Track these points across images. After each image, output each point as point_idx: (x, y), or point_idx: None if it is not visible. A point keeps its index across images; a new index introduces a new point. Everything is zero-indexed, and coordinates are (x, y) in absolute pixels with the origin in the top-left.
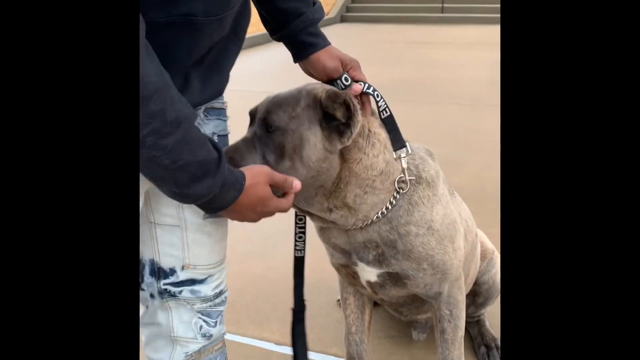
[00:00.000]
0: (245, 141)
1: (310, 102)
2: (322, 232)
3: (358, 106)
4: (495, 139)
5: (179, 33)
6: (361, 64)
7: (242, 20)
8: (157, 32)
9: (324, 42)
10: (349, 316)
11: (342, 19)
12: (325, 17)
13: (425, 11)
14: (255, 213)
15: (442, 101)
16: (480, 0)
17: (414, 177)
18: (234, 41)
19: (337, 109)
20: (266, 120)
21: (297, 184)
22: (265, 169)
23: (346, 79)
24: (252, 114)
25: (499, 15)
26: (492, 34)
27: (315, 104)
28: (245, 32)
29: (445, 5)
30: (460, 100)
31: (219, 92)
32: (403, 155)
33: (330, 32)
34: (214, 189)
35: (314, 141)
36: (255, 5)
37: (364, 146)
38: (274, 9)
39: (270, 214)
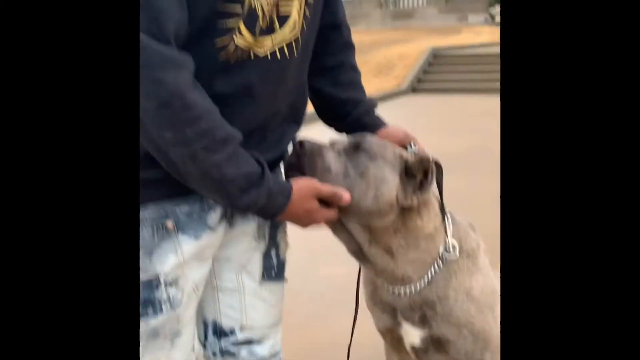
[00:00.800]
0: (332, 145)
1: (397, 154)
2: (372, 294)
3: (434, 174)
4: None
5: (238, 104)
6: (430, 133)
7: (301, 106)
8: (220, 104)
9: (383, 123)
10: None
11: (414, 90)
12: (397, 89)
13: (492, 80)
14: (303, 223)
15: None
16: None
17: (456, 247)
18: (290, 125)
19: (419, 170)
20: (360, 143)
21: (346, 197)
22: (313, 182)
23: (412, 148)
24: (332, 141)
25: None
26: None
27: (400, 160)
28: (302, 118)
29: None
30: None
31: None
32: (449, 225)
33: (402, 103)
34: (261, 199)
35: (392, 185)
36: (312, 98)
37: (421, 210)
38: (335, 101)
39: (319, 224)
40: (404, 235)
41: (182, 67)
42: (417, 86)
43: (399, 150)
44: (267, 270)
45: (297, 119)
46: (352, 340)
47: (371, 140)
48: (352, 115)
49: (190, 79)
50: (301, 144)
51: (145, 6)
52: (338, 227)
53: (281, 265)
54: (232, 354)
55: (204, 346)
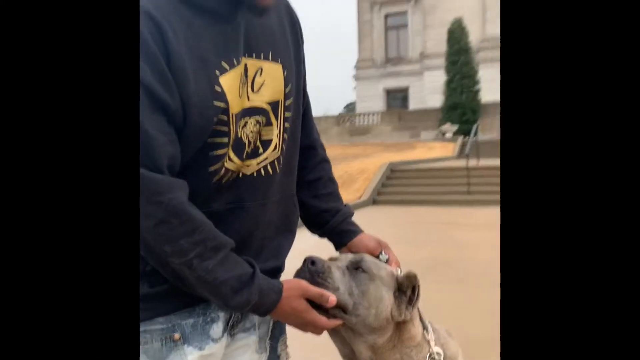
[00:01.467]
0: (336, 266)
1: (389, 274)
2: None
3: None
4: None
5: (231, 216)
6: (391, 244)
7: (292, 216)
8: (216, 219)
9: (360, 229)
10: None
11: (374, 202)
12: (358, 201)
13: (451, 193)
14: (295, 324)
15: (469, 282)
16: None
17: (441, 354)
18: (285, 234)
19: (408, 287)
20: (359, 264)
21: (332, 299)
22: (301, 283)
23: (383, 256)
24: (333, 258)
25: None
26: None
27: (392, 278)
28: (295, 227)
29: (471, 187)
30: (486, 280)
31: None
32: (431, 334)
33: (363, 215)
34: (253, 297)
35: (388, 303)
36: None
37: (411, 321)
38: (316, 210)
39: (310, 326)
40: (399, 349)
41: (176, 189)
42: (377, 198)
43: (390, 269)
44: None
45: (290, 229)
46: None
47: (369, 261)
48: (331, 223)
49: (185, 198)
50: (313, 262)
51: (141, 144)
52: (335, 334)
53: None
54: None
55: None
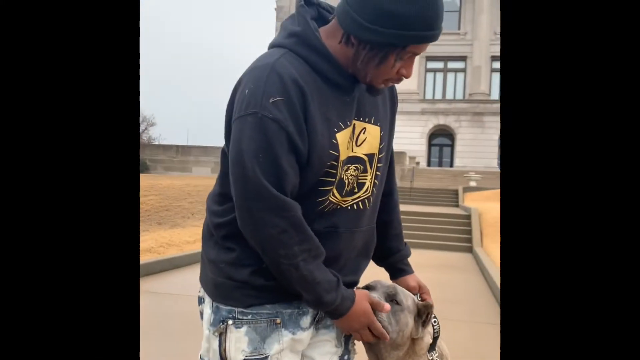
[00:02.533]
0: (377, 296)
1: (414, 303)
2: None
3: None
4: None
5: (328, 237)
6: None
7: (371, 245)
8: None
9: (411, 270)
10: None
11: None
12: None
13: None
14: (360, 323)
15: None
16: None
17: (441, 354)
18: (364, 257)
19: (424, 313)
20: (394, 297)
21: (387, 307)
22: (365, 291)
23: (418, 296)
24: (370, 286)
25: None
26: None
27: (415, 305)
28: (370, 252)
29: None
30: None
31: None
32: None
33: None
34: (338, 299)
35: (411, 326)
36: None
37: (422, 336)
38: (383, 246)
39: (371, 325)
40: (412, 357)
41: (297, 209)
42: None
43: (413, 297)
44: None
45: (367, 255)
46: None
47: (400, 293)
48: (391, 259)
49: (301, 218)
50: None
51: (273, 166)
52: (371, 349)
53: None
54: None
55: None
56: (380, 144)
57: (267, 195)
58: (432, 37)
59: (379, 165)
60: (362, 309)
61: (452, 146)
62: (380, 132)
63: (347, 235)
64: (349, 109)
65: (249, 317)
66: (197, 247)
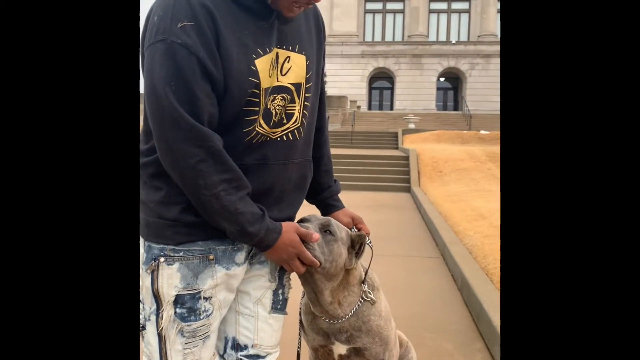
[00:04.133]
0: (312, 228)
1: (347, 234)
2: (312, 323)
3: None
4: None
5: (257, 170)
6: None
7: (307, 178)
8: (248, 175)
9: (341, 205)
10: None
11: None
12: None
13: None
14: (289, 253)
15: None
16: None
17: (372, 285)
18: (300, 191)
19: (357, 243)
20: (327, 227)
21: (316, 236)
22: (293, 223)
23: (354, 228)
24: (305, 219)
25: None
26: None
27: (349, 236)
28: (305, 186)
29: None
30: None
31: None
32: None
33: None
34: (262, 230)
35: (344, 256)
36: None
37: (356, 267)
38: (313, 183)
39: (300, 255)
40: (346, 287)
41: (216, 139)
42: None
43: (347, 230)
44: (274, 303)
45: (303, 189)
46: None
47: (334, 224)
48: (322, 195)
49: (221, 147)
50: (301, 222)
51: (186, 94)
52: (306, 281)
53: (285, 301)
54: None
55: (223, 357)
56: (307, 74)
57: (184, 125)
58: None
59: (307, 95)
60: (289, 239)
61: (392, 89)
62: (306, 61)
63: (278, 166)
64: (266, 35)
65: (181, 254)
66: None
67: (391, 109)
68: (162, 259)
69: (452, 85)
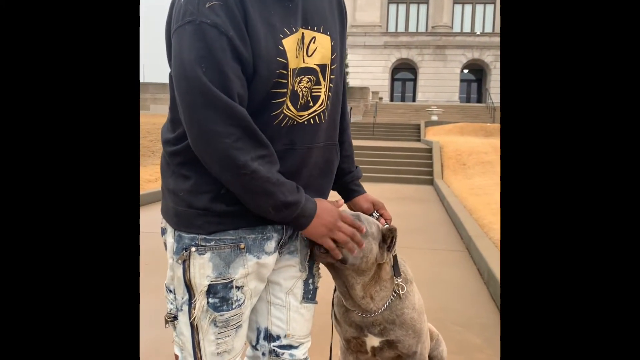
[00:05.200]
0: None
1: (378, 229)
2: (344, 316)
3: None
4: None
5: (287, 154)
6: None
7: (333, 162)
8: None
9: (363, 190)
10: None
11: None
12: None
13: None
14: (329, 223)
15: None
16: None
17: (405, 279)
18: (327, 177)
19: (388, 237)
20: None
21: (362, 228)
22: (338, 209)
23: (374, 215)
24: None
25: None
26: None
27: (379, 231)
28: (333, 172)
29: None
30: None
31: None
32: (398, 268)
33: None
34: (302, 201)
35: (375, 251)
36: None
37: (388, 262)
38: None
39: (340, 229)
40: (378, 282)
41: (249, 118)
42: None
43: (377, 223)
44: (305, 293)
45: (330, 175)
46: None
47: (364, 220)
48: (343, 180)
49: (253, 122)
50: None
51: (218, 74)
52: (337, 275)
53: (315, 290)
54: (277, 355)
55: (255, 347)
56: (332, 55)
57: (217, 103)
58: None
59: (332, 77)
60: (326, 205)
61: (414, 80)
62: (331, 42)
63: (304, 151)
64: (292, 14)
65: (212, 243)
66: (158, 185)
67: (413, 100)
68: (193, 249)
69: (476, 77)
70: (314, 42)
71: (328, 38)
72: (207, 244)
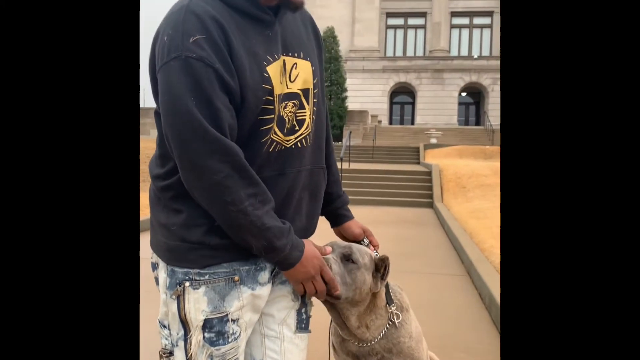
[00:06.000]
0: (332, 258)
1: (371, 259)
2: (341, 345)
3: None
4: None
5: (275, 180)
6: None
7: (321, 185)
8: (267, 182)
9: (351, 216)
10: None
11: None
12: None
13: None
14: (314, 267)
15: None
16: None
17: (401, 306)
18: (316, 200)
19: (381, 266)
20: (350, 256)
21: (328, 249)
22: (309, 240)
23: (364, 242)
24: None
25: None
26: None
27: (372, 261)
28: (321, 195)
29: (344, 188)
30: None
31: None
32: (394, 297)
33: None
34: (288, 245)
35: (369, 282)
36: None
37: (381, 291)
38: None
39: (322, 269)
40: (373, 311)
41: (240, 153)
42: None
43: (370, 252)
44: (299, 323)
45: (319, 198)
46: None
47: (356, 252)
48: (332, 205)
49: (244, 159)
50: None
51: (207, 107)
52: (332, 307)
53: (308, 319)
54: None
55: None
56: (314, 79)
57: (208, 138)
58: None
59: (314, 100)
60: (312, 253)
61: (413, 104)
62: (312, 67)
63: (293, 174)
64: (273, 42)
65: (206, 277)
66: None
67: (412, 123)
68: (187, 284)
69: (474, 100)
70: (295, 68)
71: (309, 63)
72: (201, 278)
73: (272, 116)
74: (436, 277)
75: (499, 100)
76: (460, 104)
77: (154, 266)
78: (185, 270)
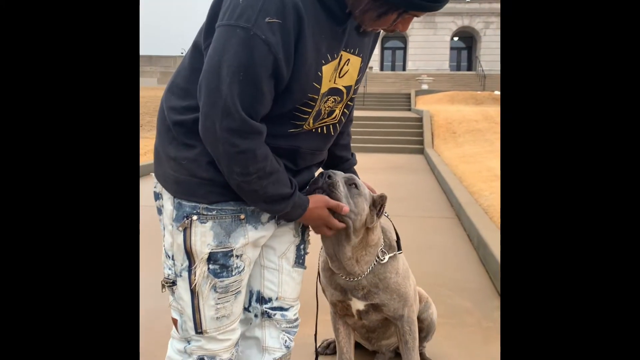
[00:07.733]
0: (341, 181)
1: (369, 193)
2: (330, 279)
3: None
4: None
5: (289, 155)
6: None
7: (325, 159)
8: (279, 154)
9: (357, 176)
10: (341, 341)
11: None
12: None
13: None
14: (318, 226)
15: None
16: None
17: (387, 245)
18: (318, 166)
19: (378, 203)
20: (353, 181)
21: (346, 209)
22: (324, 197)
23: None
24: (332, 172)
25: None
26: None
27: (370, 196)
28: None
29: None
30: None
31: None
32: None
33: None
34: (287, 208)
35: (366, 212)
36: None
37: (375, 227)
38: (332, 154)
39: (329, 225)
40: (364, 246)
41: (260, 134)
42: None
43: (368, 190)
44: (297, 258)
45: (321, 164)
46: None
47: (359, 182)
48: (340, 167)
49: (262, 142)
50: (329, 176)
51: (251, 87)
52: (327, 239)
53: (304, 256)
54: (269, 316)
55: (247, 310)
56: (358, 75)
57: (236, 117)
58: (437, 8)
59: (352, 96)
60: (317, 215)
61: (404, 49)
62: (361, 63)
63: (308, 154)
64: (338, 40)
65: (214, 212)
66: (148, 158)
67: (404, 69)
68: (195, 217)
69: (466, 45)
70: (347, 64)
71: (359, 59)
72: (209, 213)
73: (311, 110)
74: (426, 220)
75: (491, 45)
76: (452, 48)
77: (157, 196)
78: (193, 204)
